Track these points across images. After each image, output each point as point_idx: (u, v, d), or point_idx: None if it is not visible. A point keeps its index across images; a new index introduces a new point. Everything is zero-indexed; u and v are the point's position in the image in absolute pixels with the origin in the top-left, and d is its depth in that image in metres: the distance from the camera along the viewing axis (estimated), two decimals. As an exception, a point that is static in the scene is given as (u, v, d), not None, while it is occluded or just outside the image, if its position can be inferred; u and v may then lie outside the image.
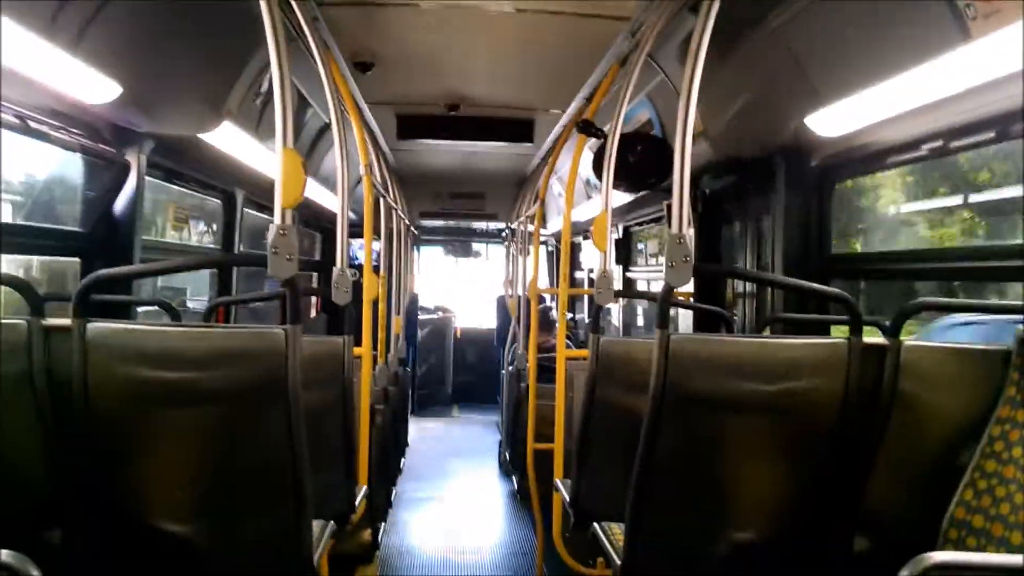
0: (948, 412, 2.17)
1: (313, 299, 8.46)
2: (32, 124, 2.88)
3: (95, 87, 2.81)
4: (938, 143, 2.82)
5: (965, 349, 2.23)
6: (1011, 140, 2.55)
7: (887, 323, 2.39)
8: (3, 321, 2.10)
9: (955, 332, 3.27)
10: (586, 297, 8.89)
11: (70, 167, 3.58)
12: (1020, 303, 2.28)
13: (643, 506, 2.23)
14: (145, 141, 3.48)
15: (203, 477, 2.15)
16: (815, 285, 2.63)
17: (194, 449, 2.12)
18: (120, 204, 3.47)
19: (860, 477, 2.26)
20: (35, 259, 3.77)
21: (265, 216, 5.70)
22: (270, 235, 1.95)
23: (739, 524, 2.29)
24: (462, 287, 12.91)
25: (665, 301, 2.17)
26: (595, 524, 2.81)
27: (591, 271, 8.66)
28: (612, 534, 2.65)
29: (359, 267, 4.47)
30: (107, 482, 2.10)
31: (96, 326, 2.04)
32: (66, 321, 2.05)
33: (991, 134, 2.60)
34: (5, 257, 3.21)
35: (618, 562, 2.39)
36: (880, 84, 2.62)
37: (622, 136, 3.15)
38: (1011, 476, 2.00)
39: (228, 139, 3.76)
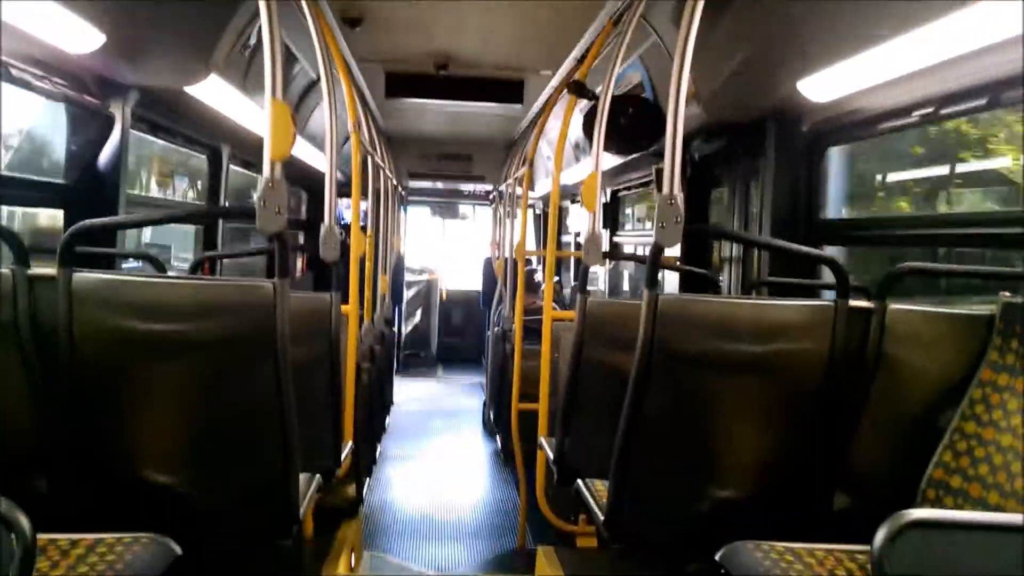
0: (931, 375, 2.20)
1: (299, 258, 8.43)
2: (14, 72, 2.83)
3: (79, 36, 2.76)
4: (930, 109, 2.82)
5: (950, 313, 2.25)
6: (1003, 107, 2.56)
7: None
8: None
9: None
10: (572, 261, 8.91)
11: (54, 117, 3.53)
12: (1006, 269, 2.30)
13: (628, 463, 2.26)
14: (130, 92, 3.42)
15: (190, 428, 2.15)
16: (803, 247, 2.64)
17: (181, 401, 2.12)
18: (104, 156, 3.43)
19: (843, 437, 2.30)
20: (18, 211, 3.72)
21: (251, 173, 5.65)
22: (259, 188, 1.94)
23: (722, 481, 2.32)
24: (449, 248, 12.89)
25: (655, 262, 2.17)
26: (579, 480, 2.84)
27: (578, 235, 8.67)
28: (596, 490, 2.68)
29: (346, 226, 4.46)
30: (93, 432, 2.10)
31: (82, 276, 2.03)
32: (51, 271, 2.03)
33: (983, 101, 2.60)
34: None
35: (601, 517, 2.42)
36: (874, 49, 2.60)
37: (613, 98, 3.13)
38: (990, 438, 2.03)
39: (214, 92, 3.71)
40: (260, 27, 2.04)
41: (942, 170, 3.52)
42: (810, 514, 2.32)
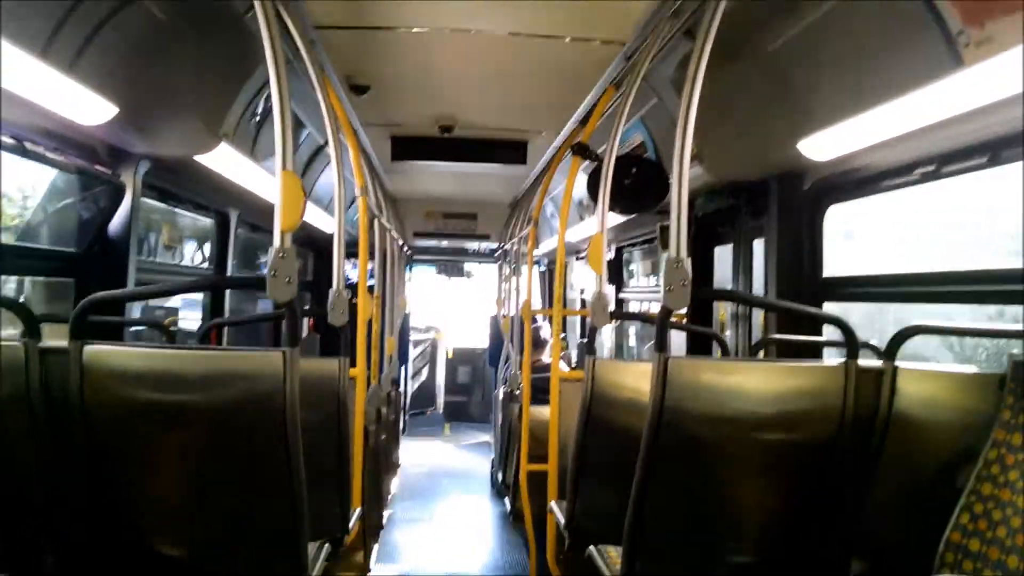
0: (944, 435, 2.18)
1: (306, 319, 8.44)
2: (28, 145, 2.88)
3: (91, 108, 2.82)
4: (931, 167, 2.85)
5: (960, 373, 2.24)
6: (1003, 164, 2.58)
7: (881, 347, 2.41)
8: (0, 343, 2.09)
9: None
10: (578, 317, 8.90)
11: (66, 187, 3.58)
12: (1014, 328, 2.29)
13: (640, 528, 2.23)
14: (141, 162, 3.48)
15: (200, 498, 2.13)
16: (811, 309, 2.64)
17: (191, 470, 2.10)
18: (115, 225, 3.47)
19: (857, 500, 2.27)
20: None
21: (256, 236, 5.70)
22: (269, 258, 1.95)
23: (736, 547, 2.29)
24: (455, 306, 12.90)
25: (663, 324, 2.18)
26: (591, 547, 2.80)
27: (583, 291, 8.67)
28: (608, 557, 2.64)
29: (353, 287, 4.47)
30: (103, 503, 2.09)
31: (93, 348, 2.04)
32: (63, 343, 2.04)
33: (983, 159, 2.62)
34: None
35: None
36: (873, 109, 2.64)
37: (617, 159, 3.17)
38: (1007, 499, 2.00)
39: (224, 160, 3.76)
40: (268, 96, 2.07)
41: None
42: None
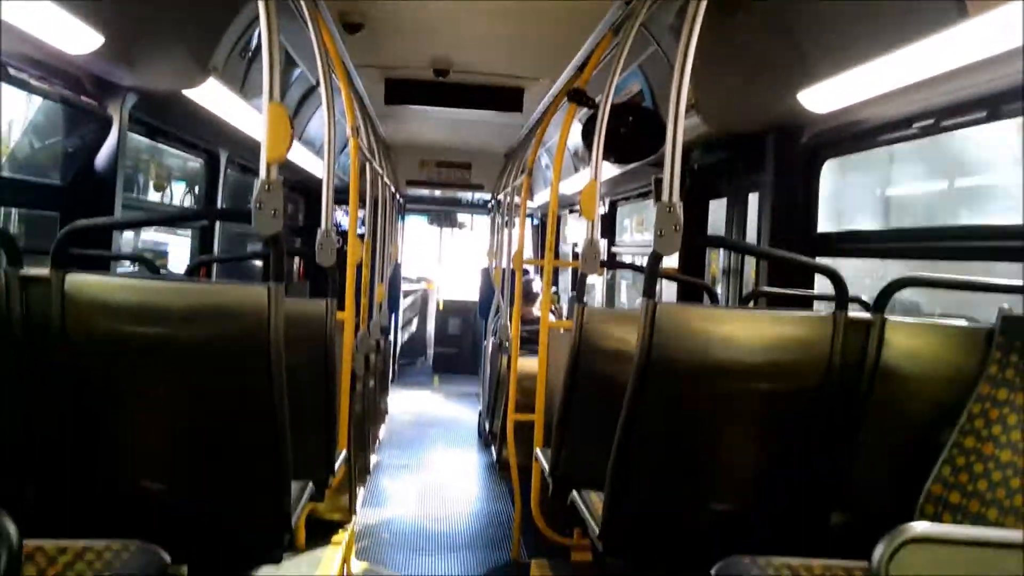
0: (930, 388, 2.18)
1: (296, 265, 8.41)
2: (12, 72, 2.81)
3: (77, 37, 2.75)
4: (929, 121, 2.81)
5: (949, 326, 2.24)
6: (1002, 119, 2.55)
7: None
8: None
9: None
10: (569, 271, 8.88)
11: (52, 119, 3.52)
12: (1006, 281, 2.28)
13: (623, 474, 2.23)
14: (128, 95, 3.41)
15: (182, 433, 2.13)
16: (802, 257, 2.63)
17: (173, 404, 2.09)
18: (101, 158, 3.41)
19: (841, 451, 2.28)
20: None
21: (247, 178, 5.63)
22: (255, 190, 1.92)
23: (718, 494, 2.30)
24: (446, 257, 12.88)
25: (653, 270, 2.16)
26: (574, 492, 2.82)
27: (576, 245, 8.65)
28: (591, 502, 2.66)
29: (343, 233, 4.44)
30: (84, 436, 2.08)
31: (75, 278, 2.01)
32: (44, 271, 2.01)
33: (982, 113, 2.59)
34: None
35: (596, 530, 2.39)
36: (874, 61, 2.60)
37: (613, 106, 3.12)
38: (989, 453, 2.01)
39: (213, 96, 3.70)
40: (259, 31, 2.03)
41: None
42: (808, 528, 2.30)
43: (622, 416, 2.18)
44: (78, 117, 3.39)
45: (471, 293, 11.28)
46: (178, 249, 5.95)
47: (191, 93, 3.53)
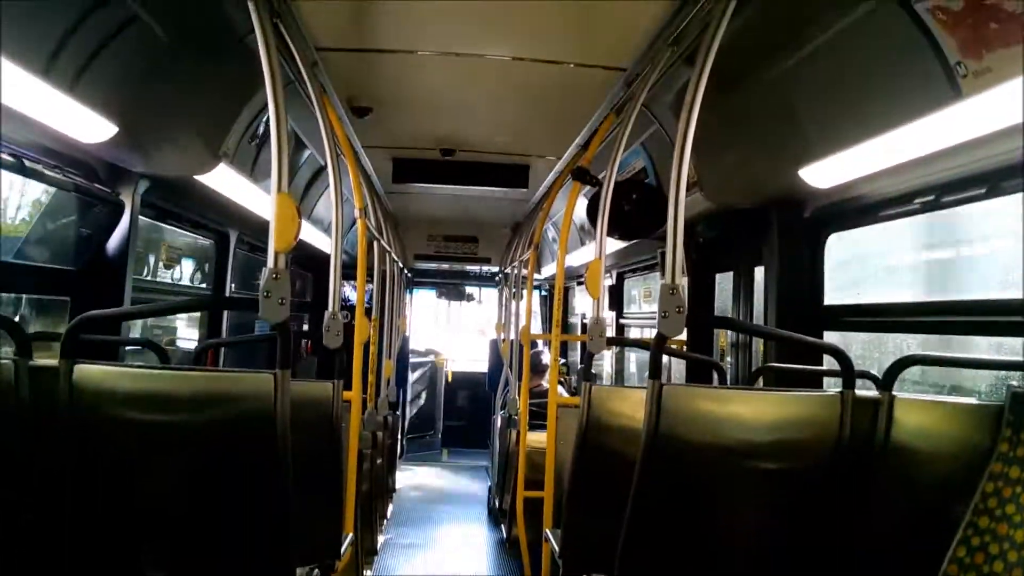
0: (941, 467, 2.15)
1: (304, 341, 8.42)
2: (28, 163, 2.88)
3: (91, 127, 2.83)
4: (930, 197, 2.84)
5: (958, 404, 2.22)
6: (1002, 195, 2.57)
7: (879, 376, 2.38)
8: None
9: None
10: (579, 342, 8.86)
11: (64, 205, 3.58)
12: (1014, 359, 2.27)
13: (633, 556, 2.20)
14: (140, 181, 3.48)
15: (187, 519, 2.11)
16: (808, 338, 2.63)
17: (180, 491, 2.09)
18: (112, 243, 3.46)
19: (852, 530, 2.24)
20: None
21: (256, 256, 5.69)
22: (263, 279, 1.94)
23: (729, 575, 2.25)
24: (455, 330, 12.87)
25: (657, 351, 2.16)
26: None
27: (584, 316, 8.65)
28: None
29: (351, 308, 4.46)
30: (91, 524, 2.06)
31: (84, 367, 2.02)
32: (54, 362, 2.02)
33: (983, 189, 2.62)
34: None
35: None
36: (873, 139, 2.64)
37: (617, 184, 3.16)
38: (1004, 533, 1.97)
39: (223, 180, 3.77)
40: (268, 118, 2.08)
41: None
42: None
43: (630, 499, 2.15)
44: (90, 202, 3.45)
45: (480, 365, 11.23)
46: (187, 325, 5.98)
47: (202, 177, 3.60)
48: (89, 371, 2.03)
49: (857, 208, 3.30)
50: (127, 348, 3.78)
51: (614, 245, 5.18)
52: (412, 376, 11.24)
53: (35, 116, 2.57)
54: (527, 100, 4.00)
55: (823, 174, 3.10)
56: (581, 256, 6.73)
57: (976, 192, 2.64)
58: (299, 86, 3.06)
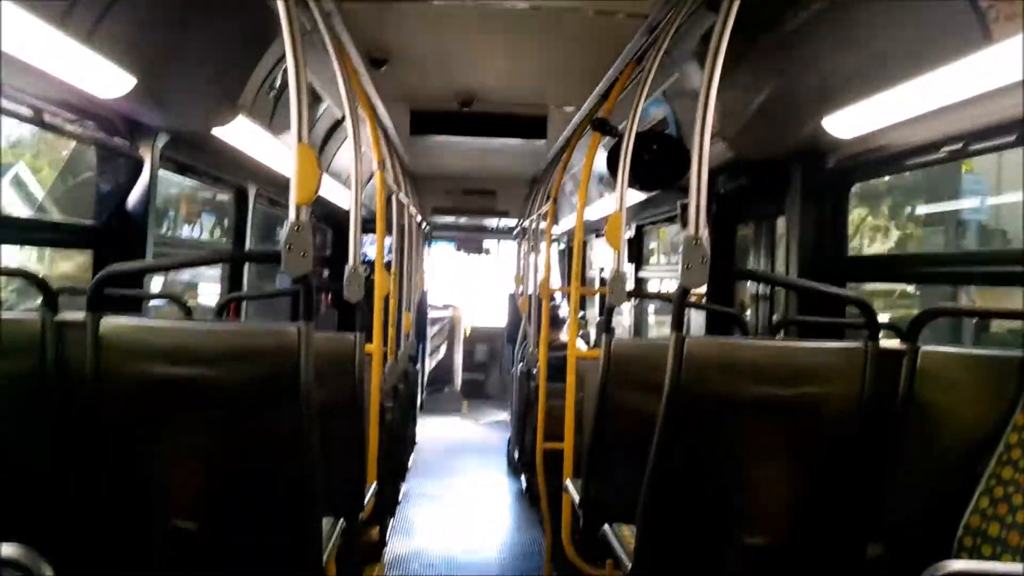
0: (965, 418, 2.14)
1: (324, 295, 8.47)
2: (47, 117, 2.88)
3: (109, 80, 2.81)
4: (957, 145, 2.79)
5: (983, 355, 2.20)
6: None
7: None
8: (17, 315, 2.10)
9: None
10: (597, 296, 8.86)
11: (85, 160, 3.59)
12: None
13: (655, 508, 2.21)
14: (159, 135, 3.48)
15: (213, 474, 2.14)
16: (832, 288, 2.60)
17: (205, 445, 2.11)
18: (133, 198, 3.47)
19: (875, 483, 2.24)
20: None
21: (276, 211, 5.70)
22: (284, 231, 1.94)
23: (752, 528, 2.26)
24: (473, 284, 12.89)
25: (680, 303, 2.15)
26: (605, 525, 2.79)
27: (602, 270, 8.63)
28: (622, 536, 2.63)
29: (370, 263, 4.47)
30: (118, 478, 2.10)
31: (109, 321, 2.04)
32: (79, 315, 2.04)
33: (1011, 137, 2.56)
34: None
35: (628, 564, 2.37)
36: (899, 86, 2.58)
37: (637, 135, 3.13)
38: (1028, 484, 1.97)
39: (241, 133, 3.76)
40: (286, 69, 2.05)
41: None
42: (843, 562, 2.26)
43: (652, 449, 2.16)
44: (110, 157, 3.45)
45: (499, 319, 11.28)
46: (208, 284, 6.03)
47: (220, 131, 3.59)
48: (115, 324, 2.04)
49: (881, 157, 3.24)
50: (150, 304, 3.82)
51: (633, 197, 5.14)
52: (431, 330, 11.31)
53: (53, 69, 2.56)
54: (546, 49, 3.94)
55: (847, 123, 3.04)
56: (600, 208, 6.69)
57: (1005, 140, 2.59)
58: (314, 37, 3.02)
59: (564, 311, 7.26)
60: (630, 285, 6.27)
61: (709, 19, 2.94)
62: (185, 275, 6.07)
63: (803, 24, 2.94)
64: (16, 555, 1.26)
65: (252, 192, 4.97)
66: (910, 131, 2.93)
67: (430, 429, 9.65)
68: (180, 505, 2.12)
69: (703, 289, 4.45)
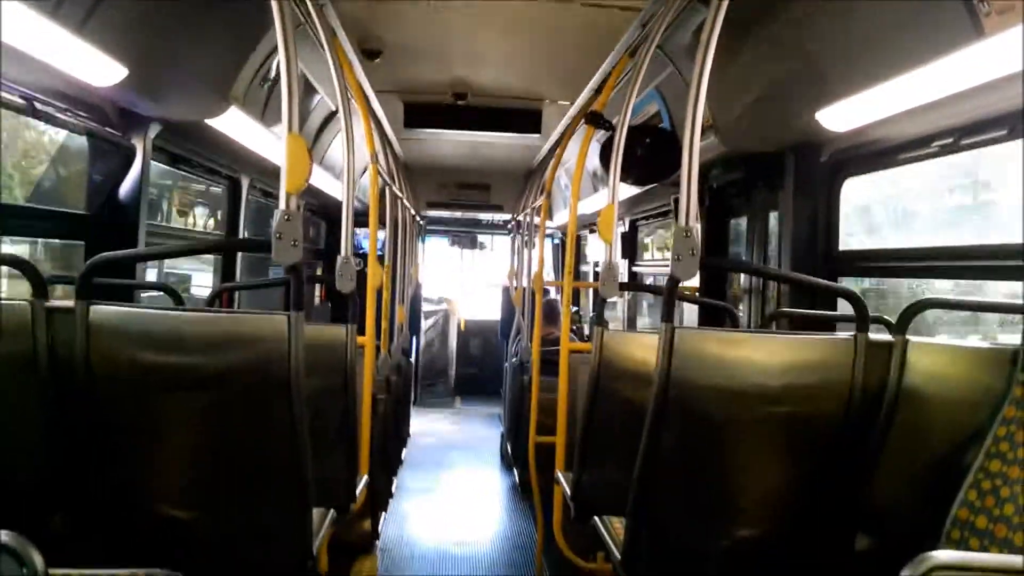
0: (954, 411, 2.15)
1: (318, 288, 8.46)
2: (39, 106, 2.87)
3: (101, 69, 2.80)
4: (949, 140, 2.79)
5: (972, 348, 2.21)
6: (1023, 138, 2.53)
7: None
8: (6, 302, 2.09)
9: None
10: (591, 291, 8.87)
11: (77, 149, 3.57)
12: None
13: (645, 500, 2.22)
14: (151, 125, 3.47)
15: (204, 462, 2.14)
16: (822, 281, 2.61)
17: (195, 434, 2.11)
18: (125, 188, 3.46)
19: (863, 475, 2.25)
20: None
21: (269, 202, 5.69)
22: (275, 220, 1.93)
23: (741, 520, 2.28)
24: (467, 278, 12.89)
25: (670, 295, 2.15)
26: (596, 517, 2.80)
27: (597, 264, 8.64)
28: (612, 528, 2.64)
29: (364, 256, 4.47)
30: (108, 465, 2.10)
31: (99, 308, 2.03)
32: (69, 303, 2.04)
33: (1003, 131, 2.57)
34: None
35: (618, 556, 2.38)
36: (892, 80, 2.59)
37: (630, 128, 3.12)
38: (1016, 477, 1.98)
39: (234, 124, 3.75)
40: (278, 61, 2.05)
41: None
42: (832, 554, 2.27)
43: (642, 442, 2.17)
44: (102, 147, 3.44)
45: (493, 313, 11.28)
46: (201, 275, 6.02)
47: (213, 122, 3.58)
48: (104, 312, 2.04)
49: (874, 152, 3.25)
50: (142, 294, 3.81)
51: (627, 192, 5.14)
52: (425, 324, 11.30)
53: (44, 57, 2.55)
54: (540, 42, 3.94)
55: (840, 117, 3.05)
56: (594, 203, 6.69)
57: (997, 134, 2.59)
58: (309, 28, 3.02)
59: (558, 306, 7.26)
60: (623, 279, 6.27)
61: (702, 13, 2.94)
62: (178, 269, 6.06)
63: (796, 16, 2.94)
64: (5, 541, 1.26)
65: (245, 183, 4.96)
66: (903, 126, 2.93)
67: (423, 423, 9.65)
68: (171, 493, 2.12)
69: (696, 282, 4.48)
